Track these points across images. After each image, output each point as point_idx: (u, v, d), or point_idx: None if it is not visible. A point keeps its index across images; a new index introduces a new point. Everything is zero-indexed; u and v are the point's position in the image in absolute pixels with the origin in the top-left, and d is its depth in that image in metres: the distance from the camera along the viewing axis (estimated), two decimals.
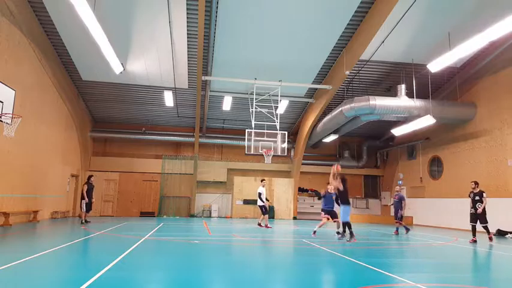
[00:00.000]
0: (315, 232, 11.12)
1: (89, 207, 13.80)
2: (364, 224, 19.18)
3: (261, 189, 14.35)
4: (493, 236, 10.55)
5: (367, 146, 22.42)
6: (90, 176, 14.36)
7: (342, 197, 10.82)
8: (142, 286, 4.87)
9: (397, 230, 13.38)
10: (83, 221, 13.53)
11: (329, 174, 21.38)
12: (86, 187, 13.74)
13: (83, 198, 13.68)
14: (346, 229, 10.38)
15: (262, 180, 14.80)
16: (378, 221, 20.83)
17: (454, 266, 7.13)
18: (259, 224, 14.38)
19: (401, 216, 13.23)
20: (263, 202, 14.22)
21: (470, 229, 11.01)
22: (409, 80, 15.27)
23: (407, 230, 13.25)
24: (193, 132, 20.60)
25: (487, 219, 10.83)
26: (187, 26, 13.07)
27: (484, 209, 10.80)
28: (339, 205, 10.93)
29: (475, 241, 10.71)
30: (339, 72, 14.78)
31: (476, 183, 11.24)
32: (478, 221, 10.85)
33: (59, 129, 16.25)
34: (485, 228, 10.92)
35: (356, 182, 23.17)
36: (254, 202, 20.87)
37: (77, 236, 10.02)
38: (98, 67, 15.33)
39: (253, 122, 14.65)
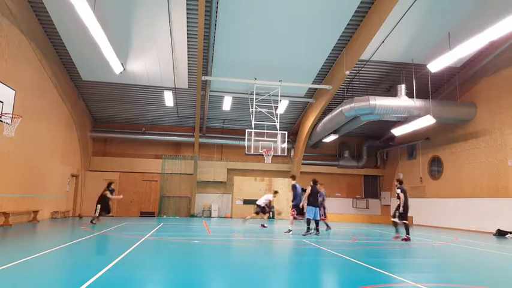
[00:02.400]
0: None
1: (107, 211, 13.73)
2: (364, 223, 19.19)
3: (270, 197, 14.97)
4: (408, 240, 10.67)
5: (367, 146, 22.41)
6: (110, 183, 14.13)
7: (309, 199, 11.73)
8: (143, 286, 4.87)
9: (328, 226, 13.81)
10: (93, 221, 13.29)
11: (329, 174, 21.46)
12: (108, 193, 13.60)
13: (101, 202, 13.41)
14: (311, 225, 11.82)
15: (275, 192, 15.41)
16: (377, 220, 20.84)
17: (454, 266, 7.14)
18: (264, 225, 14.61)
19: (324, 213, 13.78)
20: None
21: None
22: (409, 80, 15.27)
23: (328, 227, 13.84)
24: (193, 132, 20.60)
25: (404, 216, 10.82)
26: (187, 26, 13.07)
27: (404, 206, 10.85)
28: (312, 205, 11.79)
29: (398, 238, 10.87)
30: (339, 72, 14.78)
31: (397, 180, 11.52)
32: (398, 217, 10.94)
33: (59, 129, 16.25)
34: (405, 225, 10.86)
35: (356, 182, 23.18)
36: (254, 202, 20.89)
37: (77, 236, 10.02)
38: (98, 67, 15.33)
39: (253, 122, 14.64)
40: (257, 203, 14.73)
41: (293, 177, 12.86)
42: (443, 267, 6.86)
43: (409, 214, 20.75)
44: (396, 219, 11.05)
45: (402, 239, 10.77)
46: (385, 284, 5.22)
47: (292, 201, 12.52)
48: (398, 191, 11.12)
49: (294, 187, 12.46)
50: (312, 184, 11.98)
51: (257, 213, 14.61)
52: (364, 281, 5.28)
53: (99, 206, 13.35)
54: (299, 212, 12.24)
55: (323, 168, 22.34)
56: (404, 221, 10.91)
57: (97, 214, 13.31)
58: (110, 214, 13.87)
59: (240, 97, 17.73)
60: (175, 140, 21.09)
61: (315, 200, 11.71)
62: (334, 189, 22.71)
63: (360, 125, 17.13)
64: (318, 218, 11.87)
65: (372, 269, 6.14)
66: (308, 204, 11.75)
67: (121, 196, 14.04)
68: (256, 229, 13.68)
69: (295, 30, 13.32)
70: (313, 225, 11.83)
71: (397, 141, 21.23)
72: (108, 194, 13.64)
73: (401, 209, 10.90)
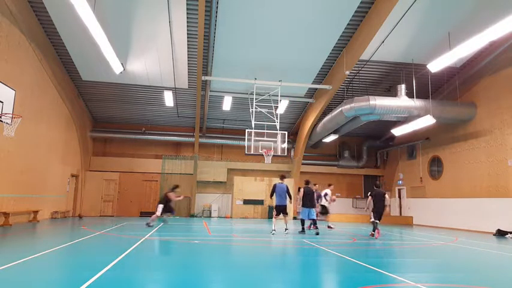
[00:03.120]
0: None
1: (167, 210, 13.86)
2: (364, 223, 19.19)
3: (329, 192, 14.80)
4: (373, 234, 11.58)
5: (367, 146, 22.42)
6: (176, 186, 14.34)
7: (303, 200, 12.15)
8: (142, 286, 4.87)
9: (309, 225, 13.92)
10: (150, 224, 13.31)
11: (329, 174, 21.46)
12: (172, 194, 13.84)
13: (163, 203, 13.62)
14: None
15: (329, 185, 15.26)
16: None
17: (454, 266, 7.14)
18: (330, 227, 14.38)
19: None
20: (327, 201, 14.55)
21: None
22: (409, 80, 15.27)
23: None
24: (193, 132, 20.60)
25: (374, 216, 11.76)
26: (187, 26, 13.07)
27: (372, 208, 11.92)
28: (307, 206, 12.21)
29: (374, 235, 11.57)
30: (339, 72, 14.78)
31: (374, 184, 12.88)
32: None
33: (59, 129, 16.26)
34: (372, 223, 11.83)
35: (356, 182, 23.19)
36: (254, 202, 20.93)
37: (77, 236, 10.02)
38: (98, 67, 15.34)
39: (253, 122, 14.64)
40: (321, 203, 14.32)
41: (281, 177, 12.24)
42: (443, 267, 6.86)
43: (409, 214, 20.93)
44: (372, 219, 11.88)
45: (370, 234, 11.81)
46: (385, 284, 5.22)
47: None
48: (369, 193, 12.23)
49: (273, 187, 11.87)
50: (304, 185, 12.32)
51: (323, 213, 14.38)
52: (364, 281, 5.28)
53: (161, 206, 13.52)
54: (279, 212, 11.77)
55: (323, 168, 22.35)
56: (372, 220, 11.76)
57: (159, 214, 13.48)
58: (175, 214, 13.99)
59: (240, 97, 17.73)
60: (175, 140, 21.09)
61: (306, 200, 12.05)
62: (334, 189, 22.57)
63: (360, 125, 17.13)
64: (314, 217, 12.15)
65: (372, 269, 6.14)
66: (302, 205, 12.13)
67: (181, 197, 14.60)
68: (256, 229, 13.67)
69: (295, 30, 13.32)
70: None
71: (397, 141, 21.24)
72: (172, 196, 13.80)
73: (369, 209, 12.19)
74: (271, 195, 11.94)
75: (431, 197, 18.60)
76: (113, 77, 15.75)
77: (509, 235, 13.17)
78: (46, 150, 14.92)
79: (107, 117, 20.50)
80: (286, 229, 11.74)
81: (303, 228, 12.16)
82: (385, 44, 13.59)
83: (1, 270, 5.14)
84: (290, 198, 12.07)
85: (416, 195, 19.85)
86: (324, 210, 14.52)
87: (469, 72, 15.46)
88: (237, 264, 6.82)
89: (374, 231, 11.55)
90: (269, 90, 15.91)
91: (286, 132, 15.08)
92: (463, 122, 16.21)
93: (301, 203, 12.17)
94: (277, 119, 15.20)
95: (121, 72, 14.59)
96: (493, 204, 14.52)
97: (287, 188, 11.94)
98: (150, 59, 15.03)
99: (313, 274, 6.08)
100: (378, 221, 11.65)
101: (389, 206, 14.09)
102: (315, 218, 12.21)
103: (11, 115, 9.86)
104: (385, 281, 5.38)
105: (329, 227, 14.32)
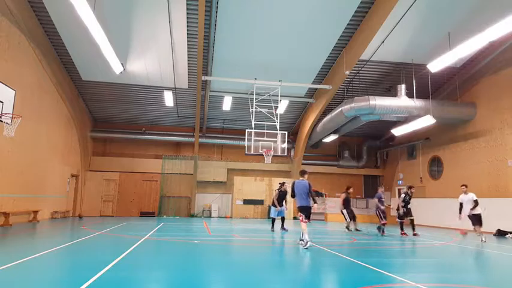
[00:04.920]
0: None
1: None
2: (364, 223, 19.18)
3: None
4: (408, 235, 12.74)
5: (367, 146, 22.42)
6: (349, 187, 14.38)
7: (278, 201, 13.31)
8: (143, 286, 4.87)
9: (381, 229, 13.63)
10: (349, 228, 13.74)
11: (329, 174, 21.38)
12: (345, 195, 14.02)
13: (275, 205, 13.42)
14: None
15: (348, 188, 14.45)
16: (378, 220, 20.78)
17: (454, 266, 7.13)
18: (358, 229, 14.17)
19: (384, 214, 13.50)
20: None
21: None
22: (409, 80, 15.27)
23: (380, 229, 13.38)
24: (193, 132, 20.60)
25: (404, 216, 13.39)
26: (187, 26, 13.08)
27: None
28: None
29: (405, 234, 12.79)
30: (339, 72, 14.78)
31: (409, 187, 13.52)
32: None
33: (59, 129, 16.26)
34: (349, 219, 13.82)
35: (356, 182, 23.17)
36: (254, 202, 20.96)
37: (77, 236, 10.03)
38: (98, 67, 15.33)
39: (253, 122, 14.64)
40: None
41: (301, 173, 9.62)
42: (443, 267, 6.86)
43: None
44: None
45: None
46: (385, 284, 5.22)
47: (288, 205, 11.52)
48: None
49: (292, 185, 9.62)
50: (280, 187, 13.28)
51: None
52: (364, 281, 5.28)
53: (344, 211, 13.85)
54: (305, 213, 9.20)
55: (323, 168, 22.34)
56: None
57: (348, 219, 13.89)
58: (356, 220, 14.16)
59: (240, 97, 17.73)
60: (175, 140, 21.08)
61: (280, 201, 13.23)
62: (334, 189, 22.69)
63: (360, 125, 17.13)
64: (284, 215, 13.48)
65: (372, 269, 6.13)
66: (273, 205, 13.26)
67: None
68: (256, 229, 13.67)
69: (295, 30, 13.32)
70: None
71: (397, 141, 21.23)
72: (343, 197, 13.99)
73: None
74: (293, 197, 9.58)
75: (431, 197, 18.59)
76: (113, 77, 15.75)
77: (509, 235, 13.16)
78: (46, 150, 14.92)
79: (107, 117, 20.50)
80: (305, 240, 8.77)
81: (273, 226, 13.17)
82: (385, 44, 13.59)
83: (1, 270, 5.14)
84: (313, 198, 9.35)
85: (417, 195, 19.79)
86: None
87: (469, 72, 15.46)
88: (237, 264, 6.82)
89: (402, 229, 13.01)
90: (269, 90, 15.91)
91: (286, 132, 15.09)
92: (463, 122, 16.21)
93: (276, 203, 13.11)
94: (277, 119, 15.20)
95: (121, 72, 14.57)
96: (493, 204, 14.50)
97: (309, 185, 9.24)
98: (150, 59, 15.03)
99: (314, 274, 6.08)
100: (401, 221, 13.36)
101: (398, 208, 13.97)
102: (284, 215, 13.57)
103: (11, 115, 9.86)
104: (385, 281, 5.38)
105: (357, 229, 14.12)
